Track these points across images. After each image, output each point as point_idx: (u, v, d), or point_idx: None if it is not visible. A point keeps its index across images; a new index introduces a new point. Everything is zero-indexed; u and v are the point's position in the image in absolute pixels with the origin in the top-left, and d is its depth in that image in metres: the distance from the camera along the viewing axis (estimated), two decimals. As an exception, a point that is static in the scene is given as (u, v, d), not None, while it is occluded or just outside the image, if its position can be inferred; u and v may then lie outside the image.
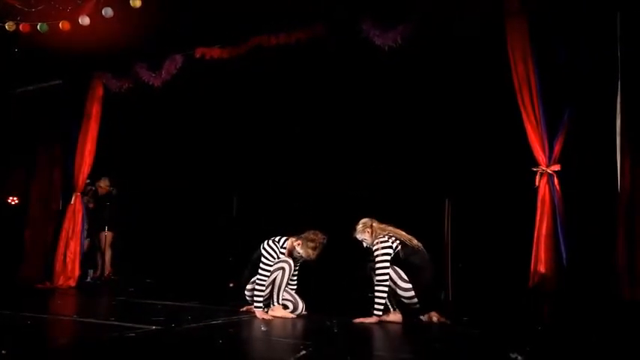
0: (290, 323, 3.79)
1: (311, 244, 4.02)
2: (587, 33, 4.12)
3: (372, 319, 3.74)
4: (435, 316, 3.86)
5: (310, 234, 4.07)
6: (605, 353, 3.01)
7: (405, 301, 3.81)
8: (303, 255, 4.06)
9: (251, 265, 4.22)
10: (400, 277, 3.79)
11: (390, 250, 3.82)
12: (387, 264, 3.78)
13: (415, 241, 3.92)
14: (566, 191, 4.14)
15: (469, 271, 5.17)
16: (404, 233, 3.95)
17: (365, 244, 4.03)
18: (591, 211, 4.15)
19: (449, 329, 3.66)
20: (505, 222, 4.94)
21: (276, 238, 4.18)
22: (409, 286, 3.78)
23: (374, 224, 4.00)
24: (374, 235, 3.95)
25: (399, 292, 3.79)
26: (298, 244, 4.07)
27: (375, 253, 3.84)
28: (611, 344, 3.22)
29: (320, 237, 4.06)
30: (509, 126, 4.44)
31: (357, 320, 3.76)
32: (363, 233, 4.00)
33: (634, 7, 4.01)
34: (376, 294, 3.75)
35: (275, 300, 4.06)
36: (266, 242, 4.14)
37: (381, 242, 3.85)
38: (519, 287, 4.32)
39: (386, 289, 3.75)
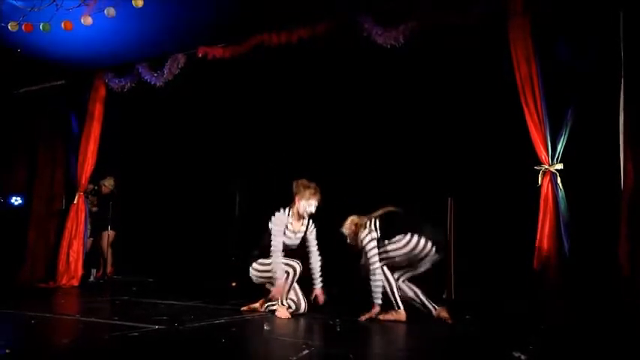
0: (293, 322, 3.79)
1: (308, 190, 4.10)
2: (590, 32, 4.11)
3: (375, 310, 3.83)
4: (443, 312, 3.88)
5: (300, 184, 4.14)
6: (607, 353, 3.00)
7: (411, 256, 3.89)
8: (306, 205, 4.10)
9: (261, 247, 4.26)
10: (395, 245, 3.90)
11: (372, 235, 3.94)
12: (375, 251, 3.89)
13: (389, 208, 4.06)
14: (569, 190, 4.13)
15: (472, 269, 5.16)
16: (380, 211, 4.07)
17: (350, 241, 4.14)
18: (594, 210, 4.14)
19: (451, 328, 3.66)
20: (508, 220, 4.94)
21: (280, 211, 4.20)
22: (406, 240, 3.85)
23: (355, 221, 4.10)
24: (358, 230, 4.06)
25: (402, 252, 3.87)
26: (298, 200, 4.12)
27: (363, 244, 3.96)
28: (613, 344, 3.22)
29: (310, 182, 4.15)
30: (512, 125, 4.44)
31: (362, 317, 3.83)
32: (350, 233, 4.12)
33: (636, 5, 3.99)
34: (372, 284, 3.86)
35: (280, 300, 4.06)
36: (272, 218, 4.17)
37: (363, 234, 3.97)
38: (522, 286, 4.32)
39: (380, 276, 3.86)
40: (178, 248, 7.11)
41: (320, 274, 4.26)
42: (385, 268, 3.91)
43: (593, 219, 4.12)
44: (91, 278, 6.99)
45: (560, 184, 4.12)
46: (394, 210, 4.04)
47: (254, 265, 4.23)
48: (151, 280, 6.90)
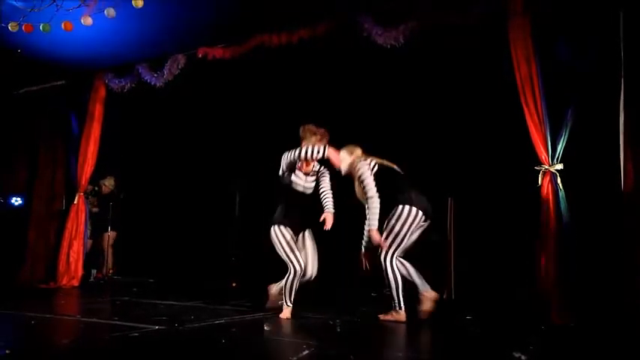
0: (293, 322, 3.79)
1: (314, 137, 3.98)
2: (590, 32, 4.11)
3: (375, 237, 3.80)
4: (428, 302, 3.81)
5: (307, 129, 4.05)
6: (607, 353, 3.00)
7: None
8: (314, 149, 3.89)
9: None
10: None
11: (370, 167, 3.94)
12: (371, 179, 3.88)
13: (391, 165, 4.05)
14: (569, 190, 4.13)
15: (472, 269, 5.16)
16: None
17: (343, 171, 4.07)
18: (595, 210, 4.14)
19: (451, 328, 3.66)
20: (508, 220, 4.94)
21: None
22: (399, 211, 3.84)
23: (357, 152, 4.10)
24: (356, 160, 4.05)
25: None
26: (304, 145, 3.96)
27: (359, 172, 3.93)
28: (613, 344, 3.22)
29: (319, 128, 4.02)
30: (512, 125, 4.43)
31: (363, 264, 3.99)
32: (344, 161, 4.07)
33: (636, 5, 4.00)
34: (369, 211, 3.83)
35: (287, 300, 3.96)
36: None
37: (360, 164, 3.98)
38: (523, 287, 4.32)
39: (377, 203, 3.82)
40: (178, 248, 7.11)
41: (331, 202, 4.04)
42: (394, 263, 3.81)
43: (594, 219, 4.12)
44: (92, 279, 7.00)
45: (561, 185, 4.12)
46: (395, 169, 4.02)
47: (281, 229, 3.96)
48: (151, 280, 6.90)
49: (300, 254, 3.98)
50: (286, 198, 4.07)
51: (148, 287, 6.29)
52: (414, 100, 5.71)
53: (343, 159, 4.06)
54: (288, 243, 3.95)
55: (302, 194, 4.06)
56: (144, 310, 4.22)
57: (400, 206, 3.83)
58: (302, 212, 4.06)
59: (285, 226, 3.98)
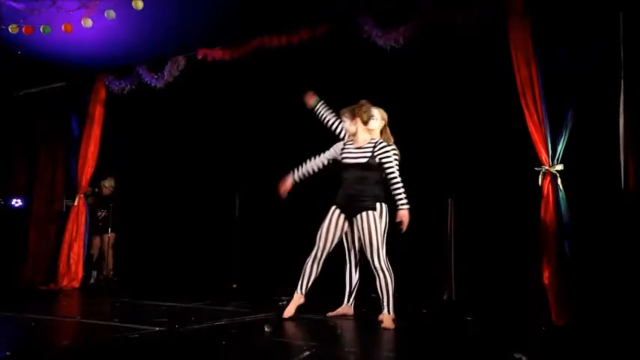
0: (294, 323, 3.79)
1: (347, 111, 3.87)
2: (590, 32, 4.11)
3: (404, 215, 3.62)
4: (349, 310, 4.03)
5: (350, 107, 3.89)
6: (608, 353, 3.00)
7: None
8: (356, 123, 3.81)
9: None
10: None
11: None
12: (396, 164, 3.87)
13: None
14: (570, 191, 4.12)
15: (472, 269, 5.16)
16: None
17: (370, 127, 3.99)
18: (595, 211, 4.13)
19: (452, 328, 3.65)
20: (508, 221, 4.94)
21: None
22: None
23: (385, 118, 4.09)
24: (384, 135, 4.04)
25: None
26: (345, 120, 3.88)
27: (391, 155, 3.86)
28: (615, 344, 3.21)
29: (361, 104, 3.84)
30: (512, 125, 4.43)
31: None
32: (376, 120, 4.03)
33: (637, 6, 4.00)
34: (397, 190, 3.69)
35: (299, 286, 3.80)
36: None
37: (392, 146, 3.96)
38: (523, 287, 4.32)
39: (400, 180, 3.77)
40: (179, 249, 7.11)
41: (401, 195, 3.66)
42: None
43: (595, 220, 4.11)
44: (92, 280, 7.00)
45: (561, 185, 4.11)
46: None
47: (332, 209, 3.82)
48: (150, 281, 6.90)
49: (327, 242, 3.72)
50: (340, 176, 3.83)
51: (148, 288, 6.24)
52: (414, 101, 5.71)
53: (369, 116, 3.96)
54: (324, 224, 3.76)
55: (352, 167, 3.75)
56: (144, 312, 4.22)
57: (384, 205, 3.82)
58: (351, 193, 3.72)
59: (336, 206, 3.79)
